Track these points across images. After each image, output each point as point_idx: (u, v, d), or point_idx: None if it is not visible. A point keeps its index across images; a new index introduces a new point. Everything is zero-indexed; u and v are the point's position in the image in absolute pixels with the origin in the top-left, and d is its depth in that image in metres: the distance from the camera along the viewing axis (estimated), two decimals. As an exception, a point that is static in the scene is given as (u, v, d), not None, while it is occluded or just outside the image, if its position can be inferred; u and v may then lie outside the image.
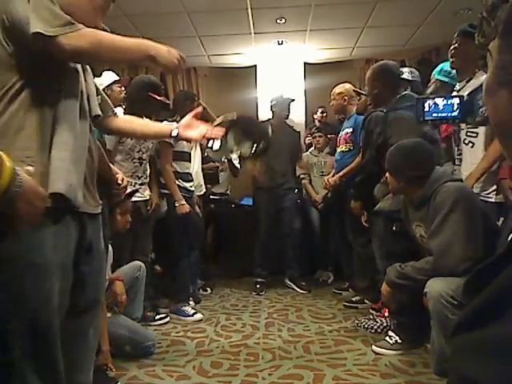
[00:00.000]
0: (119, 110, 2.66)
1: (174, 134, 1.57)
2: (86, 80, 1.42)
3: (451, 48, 2.48)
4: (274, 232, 4.09)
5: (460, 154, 2.50)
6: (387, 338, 2.49)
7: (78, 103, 1.29)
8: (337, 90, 3.74)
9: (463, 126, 2.42)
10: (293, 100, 4.24)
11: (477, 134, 2.35)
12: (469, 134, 2.39)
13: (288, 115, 4.20)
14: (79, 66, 1.32)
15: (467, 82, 2.41)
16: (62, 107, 1.23)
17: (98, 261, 1.41)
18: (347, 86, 3.73)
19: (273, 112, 4.22)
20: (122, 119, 1.64)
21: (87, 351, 1.40)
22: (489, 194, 2.31)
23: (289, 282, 4.11)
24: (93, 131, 1.45)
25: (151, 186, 3.12)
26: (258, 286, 4.03)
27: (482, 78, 2.32)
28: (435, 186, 2.15)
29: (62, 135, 1.21)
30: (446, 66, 2.76)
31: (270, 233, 4.08)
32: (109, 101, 1.62)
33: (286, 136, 4.14)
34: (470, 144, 2.38)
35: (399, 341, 2.44)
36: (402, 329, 2.43)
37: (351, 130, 3.56)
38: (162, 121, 2.94)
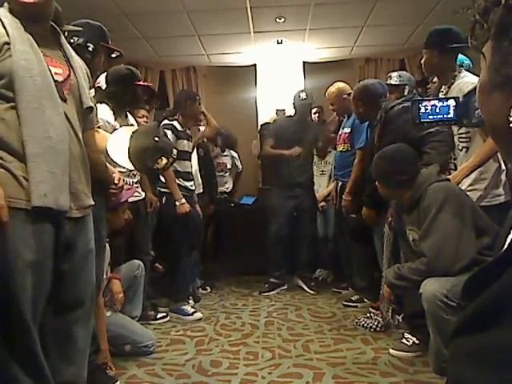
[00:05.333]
0: (105, 108, 2.63)
1: None
2: (74, 72, 1.43)
3: (422, 63, 2.52)
4: (290, 232, 4.00)
5: (455, 159, 2.50)
6: (404, 341, 2.48)
7: (49, 101, 1.30)
8: (331, 92, 3.68)
9: (455, 131, 2.42)
10: (311, 104, 4.10)
11: (469, 138, 2.34)
12: (461, 139, 2.38)
13: (307, 116, 4.12)
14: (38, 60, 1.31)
15: (449, 86, 2.42)
16: (25, 112, 1.25)
17: (82, 260, 1.41)
18: (340, 85, 3.67)
19: (295, 108, 4.08)
20: (99, 135, 1.63)
21: (76, 348, 1.41)
22: (492, 198, 2.29)
23: (300, 282, 4.03)
24: (88, 122, 1.46)
25: (142, 184, 3.11)
26: (266, 285, 3.96)
27: (465, 79, 2.33)
28: (422, 187, 2.17)
29: (32, 143, 1.24)
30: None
31: (289, 233, 3.99)
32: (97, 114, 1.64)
33: (308, 133, 4.03)
34: (464, 149, 2.38)
35: (416, 342, 2.44)
36: (418, 330, 2.43)
37: (349, 130, 3.54)
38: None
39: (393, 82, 3.25)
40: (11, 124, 1.26)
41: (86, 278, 1.45)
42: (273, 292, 3.93)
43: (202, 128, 4.01)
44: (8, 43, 1.27)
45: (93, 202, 1.47)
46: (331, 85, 3.76)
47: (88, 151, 1.52)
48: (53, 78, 1.35)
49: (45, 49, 1.37)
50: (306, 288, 3.96)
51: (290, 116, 4.19)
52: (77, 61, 1.50)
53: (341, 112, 3.73)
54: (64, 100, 1.37)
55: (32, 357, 1.23)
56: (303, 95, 4.00)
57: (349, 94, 3.44)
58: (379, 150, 2.53)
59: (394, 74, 3.31)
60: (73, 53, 1.49)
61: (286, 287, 4.01)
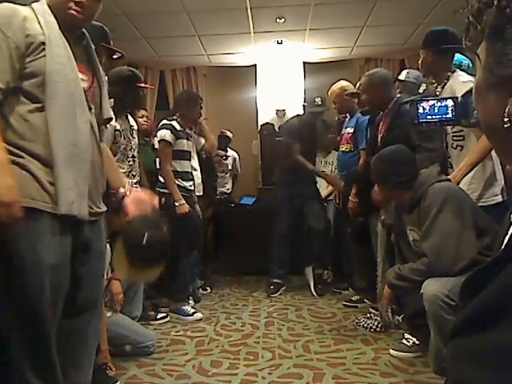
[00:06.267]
0: None
1: (121, 193, 1.54)
2: (98, 80, 1.42)
3: (419, 63, 2.55)
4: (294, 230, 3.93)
5: (449, 158, 2.50)
6: (404, 341, 2.48)
7: (79, 109, 1.29)
8: (333, 91, 3.66)
9: (448, 130, 2.43)
10: (326, 111, 3.99)
11: (463, 136, 2.35)
12: (455, 138, 2.39)
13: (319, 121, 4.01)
14: (70, 71, 1.30)
15: (442, 87, 2.42)
16: (56, 117, 1.24)
17: (97, 262, 1.41)
18: (344, 83, 3.65)
19: (305, 111, 4.05)
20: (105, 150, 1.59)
21: (86, 352, 1.41)
22: (488, 198, 2.30)
23: (310, 278, 3.92)
24: (101, 134, 1.46)
25: (141, 185, 3.11)
26: (271, 286, 3.91)
27: (458, 79, 2.34)
28: (423, 188, 2.17)
29: (61, 149, 1.23)
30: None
31: (292, 232, 3.93)
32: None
33: (318, 136, 4.00)
34: (459, 148, 2.38)
35: (417, 342, 2.44)
36: (419, 331, 2.43)
37: (352, 130, 3.53)
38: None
39: (400, 77, 3.26)
40: (36, 127, 1.23)
41: (99, 280, 1.45)
42: (277, 293, 3.89)
43: (202, 140, 3.97)
44: (44, 43, 1.25)
45: (105, 208, 1.47)
46: (334, 83, 3.72)
47: (107, 162, 1.52)
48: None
49: (75, 55, 1.35)
50: (311, 288, 3.87)
51: (300, 115, 4.09)
52: (102, 72, 1.48)
53: (342, 110, 3.72)
54: (89, 108, 1.37)
55: (50, 366, 1.23)
56: (318, 101, 3.90)
57: (351, 94, 3.40)
58: (385, 145, 2.53)
59: (405, 71, 3.33)
60: (97, 60, 1.47)
61: (285, 288, 3.99)
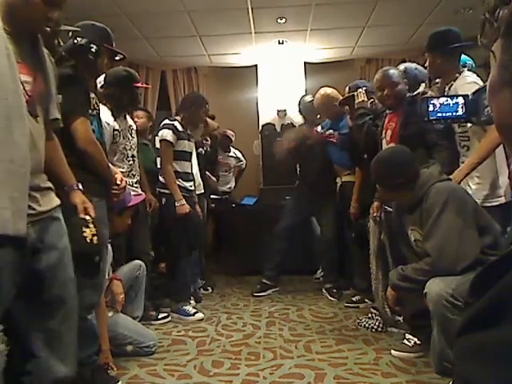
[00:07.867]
0: (104, 109, 2.59)
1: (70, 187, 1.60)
2: (45, 79, 1.39)
3: (427, 66, 2.54)
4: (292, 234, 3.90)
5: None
6: (405, 342, 2.48)
7: (18, 122, 1.24)
8: (317, 99, 3.61)
9: (456, 130, 2.42)
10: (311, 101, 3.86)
11: (468, 137, 2.36)
12: (461, 137, 2.40)
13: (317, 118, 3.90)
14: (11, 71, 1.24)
15: (449, 87, 2.42)
16: None
17: (58, 258, 1.39)
18: (328, 91, 3.58)
19: (301, 113, 4.08)
20: (53, 146, 1.54)
21: (65, 347, 1.41)
22: (492, 199, 2.29)
23: (324, 292, 3.84)
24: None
25: (142, 185, 3.11)
26: (258, 285, 3.92)
27: (462, 80, 2.34)
28: (425, 188, 2.17)
29: None
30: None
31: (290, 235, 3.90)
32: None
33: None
34: (466, 147, 2.39)
35: (418, 342, 2.44)
36: (420, 331, 2.43)
37: (346, 131, 3.52)
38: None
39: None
40: None
41: (65, 276, 1.42)
42: (262, 293, 3.87)
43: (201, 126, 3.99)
44: None
45: (56, 203, 1.43)
46: (317, 90, 3.64)
47: (55, 160, 1.53)
48: (24, 89, 1.28)
49: (18, 54, 1.28)
50: (328, 296, 3.76)
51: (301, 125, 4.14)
52: (49, 66, 1.43)
53: (328, 116, 3.66)
54: (35, 116, 1.32)
55: None
56: (308, 98, 3.93)
57: (344, 100, 3.30)
58: (401, 141, 2.52)
59: (401, 68, 3.02)
60: (46, 57, 1.42)
61: (277, 289, 3.96)
